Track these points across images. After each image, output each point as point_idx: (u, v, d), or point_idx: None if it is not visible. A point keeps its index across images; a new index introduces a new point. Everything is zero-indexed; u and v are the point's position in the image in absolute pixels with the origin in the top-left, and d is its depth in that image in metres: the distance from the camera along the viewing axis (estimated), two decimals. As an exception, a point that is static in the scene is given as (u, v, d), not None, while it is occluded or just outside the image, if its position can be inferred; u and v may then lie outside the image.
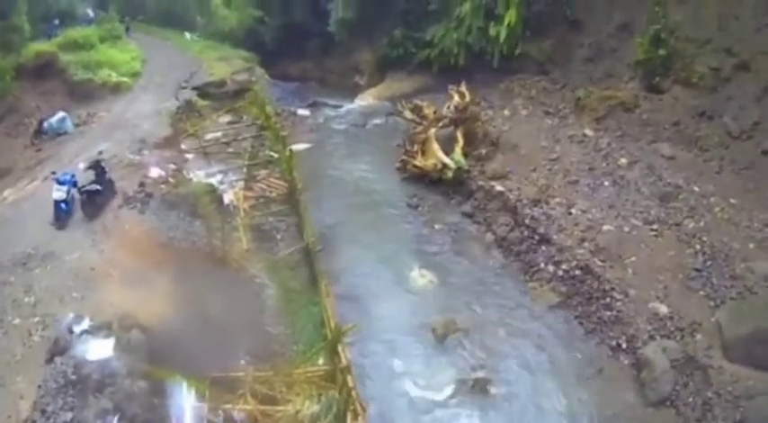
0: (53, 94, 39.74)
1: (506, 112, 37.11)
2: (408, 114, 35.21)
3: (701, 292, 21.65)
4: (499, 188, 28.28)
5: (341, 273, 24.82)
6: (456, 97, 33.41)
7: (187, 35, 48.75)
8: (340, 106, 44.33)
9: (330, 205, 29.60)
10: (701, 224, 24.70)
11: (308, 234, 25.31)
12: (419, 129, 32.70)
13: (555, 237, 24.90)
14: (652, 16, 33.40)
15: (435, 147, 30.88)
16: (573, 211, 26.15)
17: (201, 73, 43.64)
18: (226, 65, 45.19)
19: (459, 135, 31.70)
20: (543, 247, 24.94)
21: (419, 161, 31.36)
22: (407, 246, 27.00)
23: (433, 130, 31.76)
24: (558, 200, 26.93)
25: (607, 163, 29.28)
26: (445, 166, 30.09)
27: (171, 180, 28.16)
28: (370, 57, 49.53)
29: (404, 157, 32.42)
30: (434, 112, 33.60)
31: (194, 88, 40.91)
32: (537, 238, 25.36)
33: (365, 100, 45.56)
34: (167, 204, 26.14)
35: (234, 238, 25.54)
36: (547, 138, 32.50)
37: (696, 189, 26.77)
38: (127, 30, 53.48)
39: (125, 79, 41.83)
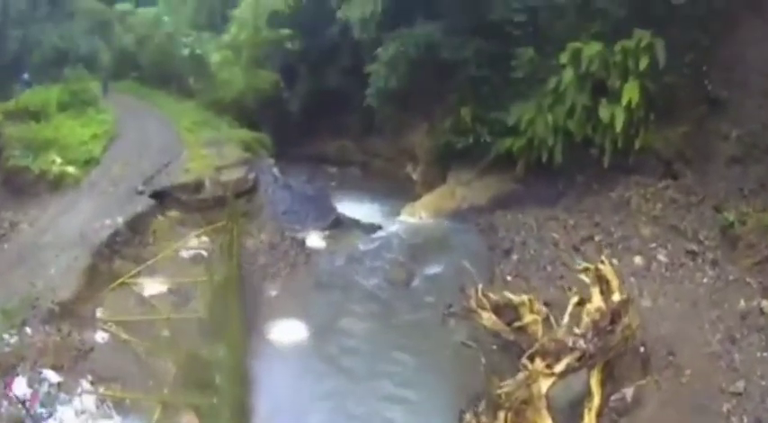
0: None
1: (638, 261, 22.68)
2: (488, 320, 18.52)
3: None
4: None
5: None
6: (596, 294, 16.91)
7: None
8: (376, 228, 29.08)
9: None
10: None
11: None
12: (513, 383, 15.12)
13: None
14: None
15: (547, 425, 14.00)
16: None
17: (177, 165, 28.89)
18: (215, 153, 30.27)
19: (596, 384, 15.31)
20: None
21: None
22: None
23: (545, 384, 14.72)
24: None
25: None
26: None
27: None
28: (426, 141, 34.74)
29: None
30: (544, 319, 17.17)
31: (154, 195, 26.32)
32: None
33: (416, 214, 30.21)
34: None
35: None
36: (712, 325, 18.78)
37: None
38: (104, 90, 40.55)
39: (71, 170, 27.93)
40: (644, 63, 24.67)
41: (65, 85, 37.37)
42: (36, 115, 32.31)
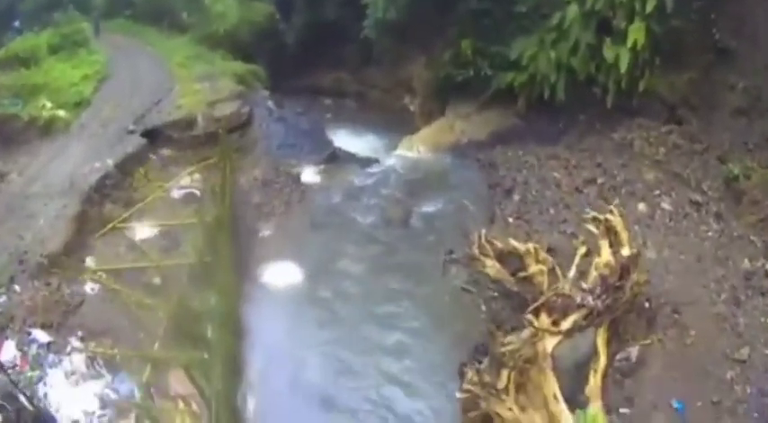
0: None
1: (642, 208, 21.92)
2: (491, 268, 17.91)
3: None
4: None
5: None
6: (604, 247, 16.31)
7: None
8: (373, 162, 28.00)
9: None
10: None
11: None
12: (518, 340, 14.03)
13: None
14: None
15: (552, 390, 13.18)
16: None
17: (169, 102, 28.06)
18: (208, 87, 29.33)
19: (602, 343, 14.68)
20: None
21: (507, 408, 13.29)
22: None
23: (551, 343, 13.94)
24: None
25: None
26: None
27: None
28: (425, 73, 33.55)
29: (471, 388, 13.85)
30: (550, 270, 16.48)
31: (145, 134, 25.50)
32: None
33: (413, 148, 29.15)
34: None
35: None
36: (717, 284, 18.08)
37: None
38: (96, 30, 39.52)
39: (61, 114, 27.17)
40: (651, 5, 23.52)
41: (56, 29, 36.70)
42: (26, 61, 31.79)
